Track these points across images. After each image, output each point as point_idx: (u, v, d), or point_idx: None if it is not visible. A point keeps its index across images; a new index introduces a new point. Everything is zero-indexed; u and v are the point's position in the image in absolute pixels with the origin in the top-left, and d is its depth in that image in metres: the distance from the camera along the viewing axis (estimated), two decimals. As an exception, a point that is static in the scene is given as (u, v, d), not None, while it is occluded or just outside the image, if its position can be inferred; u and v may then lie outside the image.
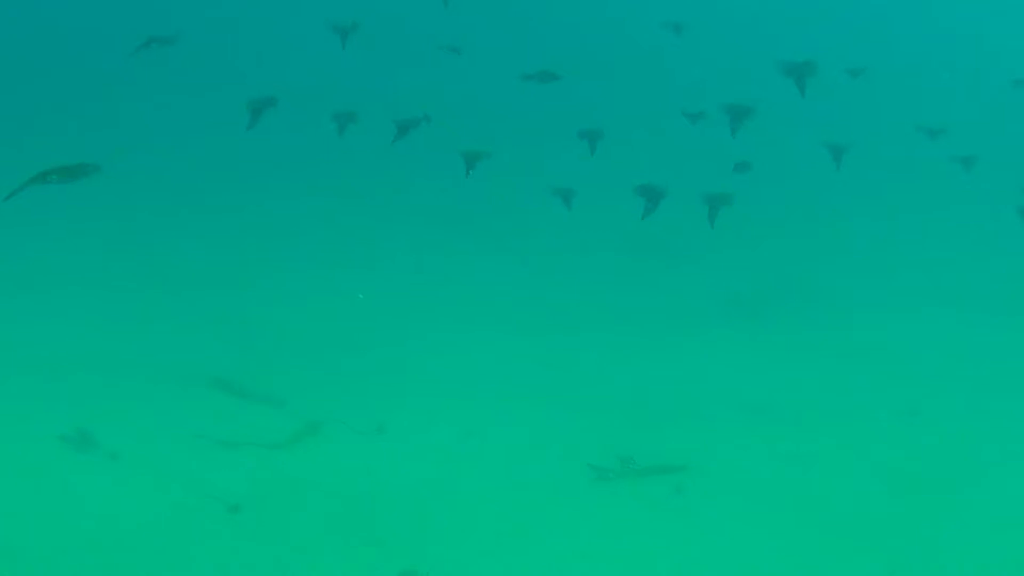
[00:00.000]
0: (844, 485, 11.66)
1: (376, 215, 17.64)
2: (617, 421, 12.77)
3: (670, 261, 17.62)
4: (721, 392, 13.69)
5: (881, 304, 16.52)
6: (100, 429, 11.69)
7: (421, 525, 10.49)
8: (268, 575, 9.60)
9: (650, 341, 14.98)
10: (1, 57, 22.72)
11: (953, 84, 26.72)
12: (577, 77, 17.98)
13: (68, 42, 22.33)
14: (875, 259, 17.87)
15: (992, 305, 16.65)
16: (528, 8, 25.31)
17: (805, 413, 13.22)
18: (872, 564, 10.20)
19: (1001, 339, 15.63)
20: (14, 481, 10.68)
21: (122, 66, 18.90)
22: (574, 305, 15.83)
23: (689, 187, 13.16)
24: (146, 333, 14.24)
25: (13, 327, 14.27)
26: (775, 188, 18.31)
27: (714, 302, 16.37)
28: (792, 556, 10.24)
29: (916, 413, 13.34)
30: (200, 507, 10.49)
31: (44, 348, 13.71)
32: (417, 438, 12.29)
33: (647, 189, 13.07)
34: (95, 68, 20.62)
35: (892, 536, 10.65)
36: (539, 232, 17.65)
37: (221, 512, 10.45)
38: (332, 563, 9.80)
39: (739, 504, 11.14)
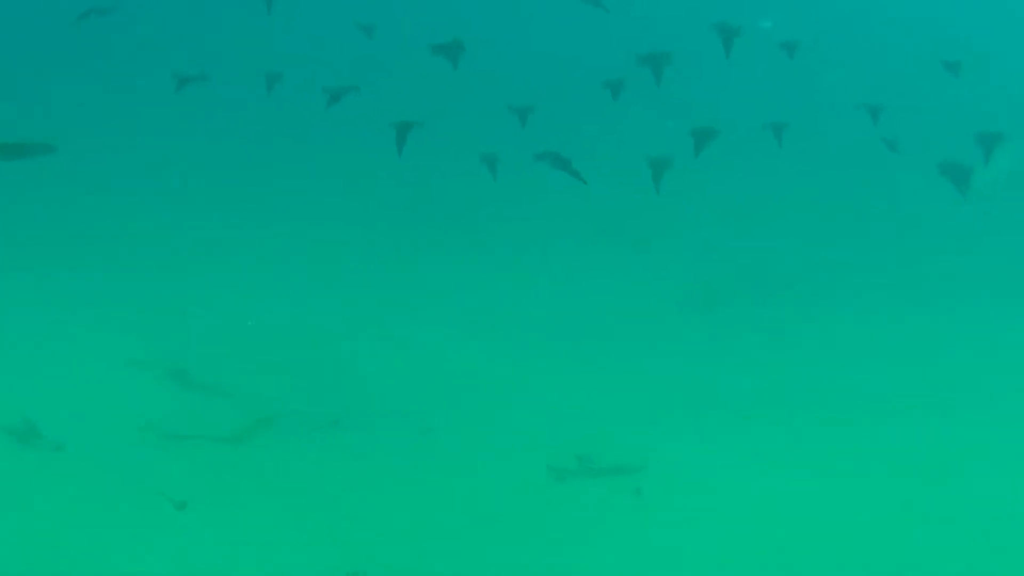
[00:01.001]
0: (806, 482, 11.50)
1: (327, 203, 17.12)
2: (575, 419, 12.52)
3: (624, 249, 17.24)
4: (679, 390, 13.43)
5: (836, 296, 16.28)
6: (44, 419, 11.34)
7: (375, 523, 10.26)
8: (216, 574, 9.32)
9: (607, 337, 14.69)
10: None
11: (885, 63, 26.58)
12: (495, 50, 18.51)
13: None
14: (826, 248, 17.58)
15: (944, 292, 16.44)
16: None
17: (765, 410, 13.02)
18: (833, 561, 10.13)
19: (954, 327, 15.45)
20: (-47, 473, 10.36)
21: (59, 38, 18.62)
22: (528, 298, 15.45)
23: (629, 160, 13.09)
24: (93, 320, 13.79)
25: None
26: (719, 169, 17.86)
27: (669, 295, 16.07)
28: (752, 556, 10.10)
29: (883, 407, 13.17)
30: (147, 503, 10.18)
31: (-14, 334, 13.34)
32: (373, 433, 12.00)
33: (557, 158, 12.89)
34: (29, 40, 19.99)
35: (854, 533, 10.53)
36: (491, 220, 17.28)
37: (168, 508, 10.15)
38: (283, 562, 9.56)
39: (699, 504, 10.97)
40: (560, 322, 14.78)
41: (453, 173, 17.22)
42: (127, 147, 17.94)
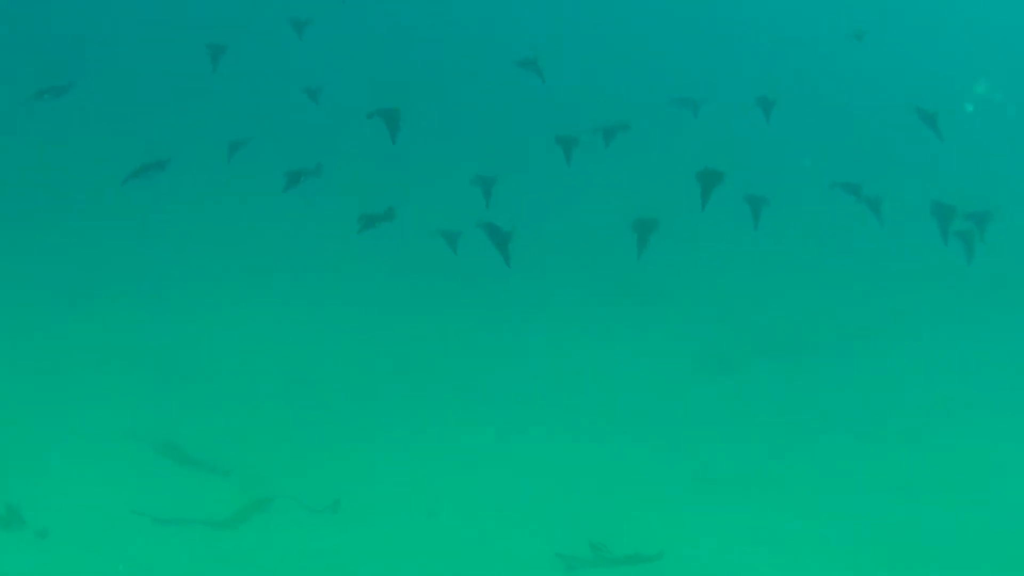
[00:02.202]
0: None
1: (320, 267, 16.52)
2: (588, 501, 11.91)
3: (634, 313, 16.69)
4: (697, 466, 12.83)
5: (853, 362, 15.75)
6: (27, 504, 10.70)
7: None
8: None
9: (621, 409, 14.05)
10: None
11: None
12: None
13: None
14: (840, 313, 17.03)
15: (960, 357, 15.94)
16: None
17: (789, 489, 12.48)
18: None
19: (968, 394, 14.97)
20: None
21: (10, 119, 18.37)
22: (538, 370, 14.76)
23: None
24: (79, 391, 13.11)
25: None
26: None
27: (685, 356, 15.48)
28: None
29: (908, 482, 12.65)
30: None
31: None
32: (374, 517, 11.40)
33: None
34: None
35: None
36: (494, 289, 16.73)
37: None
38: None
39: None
40: (571, 394, 14.15)
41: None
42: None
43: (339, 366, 14.10)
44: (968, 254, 15.50)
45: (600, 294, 16.25)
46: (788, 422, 13.83)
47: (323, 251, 16.57)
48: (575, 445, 12.93)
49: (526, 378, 14.23)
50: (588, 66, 23.27)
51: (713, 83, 22.25)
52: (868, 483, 12.73)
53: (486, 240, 12.63)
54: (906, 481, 12.76)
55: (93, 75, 19.81)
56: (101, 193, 16.77)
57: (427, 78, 21.92)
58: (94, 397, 12.90)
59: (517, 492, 11.97)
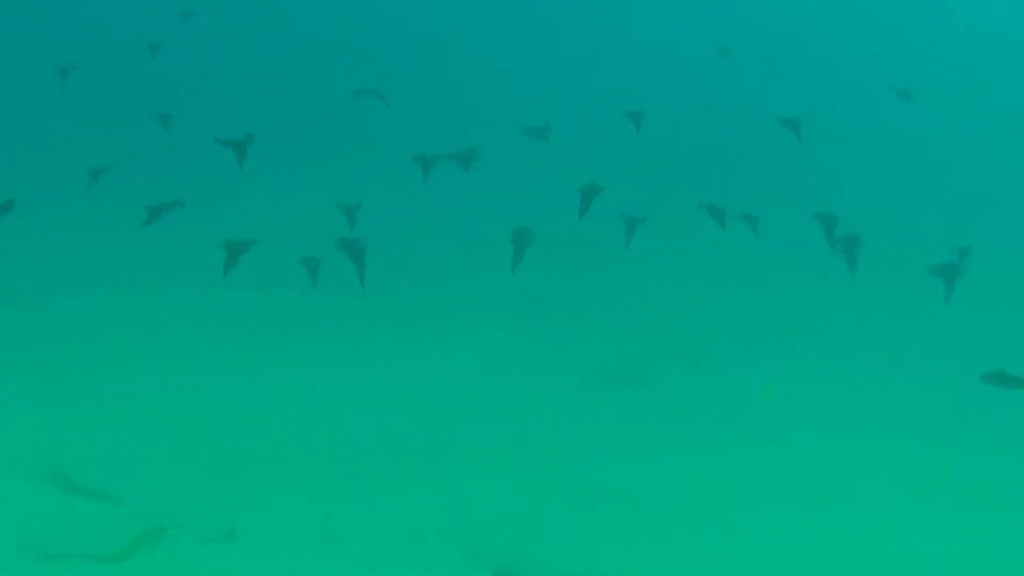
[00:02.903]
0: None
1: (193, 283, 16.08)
2: (490, 525, 11.61)
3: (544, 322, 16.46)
4: (604, 483, 12.51)
5: (764, 371, 15.56)
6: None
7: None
8: None
9: (526, 421, 13.76)
10: None
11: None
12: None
13: None
14: (754, 323, 16.96)
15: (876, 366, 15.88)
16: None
17: (696, 504, 12.29)
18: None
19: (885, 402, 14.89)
20: None
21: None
22: (427, 385, 14.39)
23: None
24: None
25: None
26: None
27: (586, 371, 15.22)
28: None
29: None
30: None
31: None
32: (270, 545, 11.09)
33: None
34: None
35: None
36: (388, 296, 16.45)
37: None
38: None
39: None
40: (463, 415, 13.71)
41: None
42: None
43: (231, 387, 13.68)
44: (851, 264, 15.73)
45: (488, 309, 15.95)
46: (690, 433, 13.58)
47: (191, 269, 16.07)
48: (472, 468, 12.55)
49: (418, 401, 13.80)
50: (443, 89, 23.17)
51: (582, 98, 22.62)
52: (771, 493, 12.52)
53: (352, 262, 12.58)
54: (808, 490, 12.62)
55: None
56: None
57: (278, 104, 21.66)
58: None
59: (416, 518, 11.63)
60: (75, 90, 17.99)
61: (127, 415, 12.86)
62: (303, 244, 16.09)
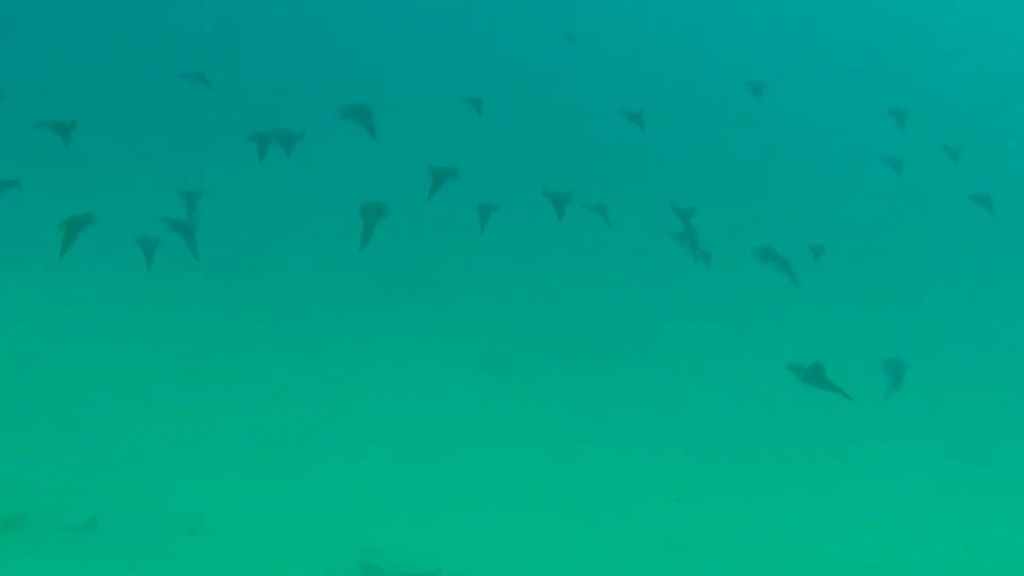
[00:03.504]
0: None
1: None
2: (360, 516, 11.61)
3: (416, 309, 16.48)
4: (471, 474, 12.65)
5: (633, 363, 15.89)
6: None
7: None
8: None
9: (395, 412, 13.75)
10: None
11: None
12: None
13: None
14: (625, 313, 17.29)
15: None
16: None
17: (565, 497, 12.46)
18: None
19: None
20: None
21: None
22: (299, 372, 14.43)
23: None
24: None
25: None
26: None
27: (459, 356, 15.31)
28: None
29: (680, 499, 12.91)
30: None
31: None
32: (132, 533, 10.84)
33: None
34: None
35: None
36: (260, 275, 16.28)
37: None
38: None
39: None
40: (334, 404, 13.77)
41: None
42: None
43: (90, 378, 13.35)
44: (698, 256, 16.14)
45: (345, 291, 15.99)
46: (565, 426, 13.85)
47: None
48: (342, 457, 12.59)
49: (289, 388, 13.81)
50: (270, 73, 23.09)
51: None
52: (643, 489, 12.81)
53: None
54: (678, 484, 12.94)
55: None
56: None
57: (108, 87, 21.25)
58: None
59: (282, 508, 11.59)
60: None
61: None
62: (139, 224, 15.66)
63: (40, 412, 12.45)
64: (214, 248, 15.76)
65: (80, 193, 16.83)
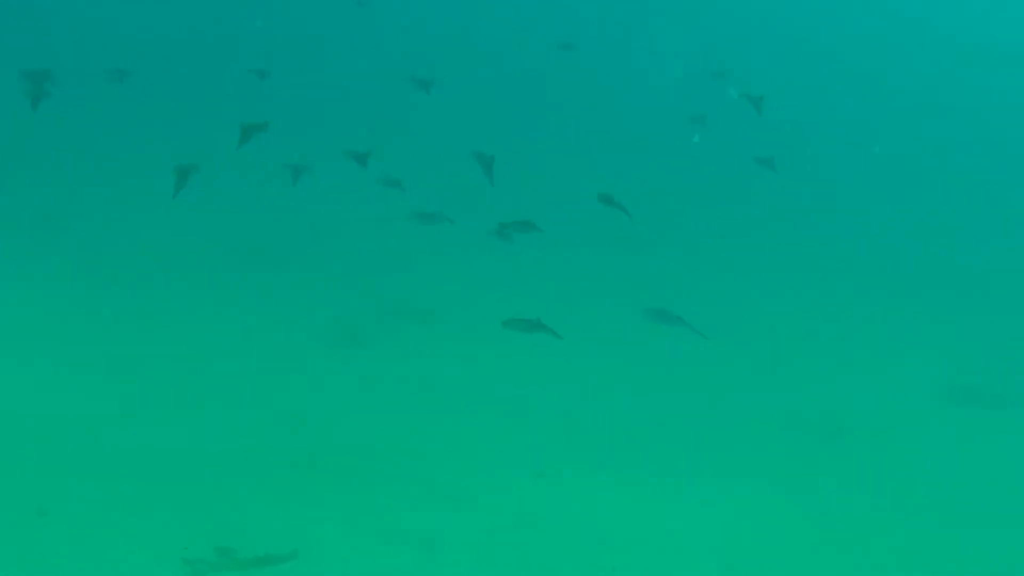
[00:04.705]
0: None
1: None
2: (210, 496, 11.28)
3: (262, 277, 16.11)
4: (329, 446, 12.36)
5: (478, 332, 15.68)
6: None
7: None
8: None
9: (232, 387, 13.24)
10: None
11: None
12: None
13: None
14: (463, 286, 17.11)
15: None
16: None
17: (426, 477, 12.20)
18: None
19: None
20: None
21: None
22: (146, 339, 13.97)
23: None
24: None
25: None
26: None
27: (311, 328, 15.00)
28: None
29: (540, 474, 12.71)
30: None
31: None
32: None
33: None
34: None
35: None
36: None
37: None
38: None
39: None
40: (180, 372, 13.38)
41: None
42: None
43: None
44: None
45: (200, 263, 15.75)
46: (421, 398, 13.62)
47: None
48: (188, 429, 12.27)
49: (132, 360, 13.43)
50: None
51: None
52: (506, 464, 12.59)
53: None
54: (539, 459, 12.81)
55: None
56: None
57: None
58: None
59: (133, 486, 11.25)
60: None
61: None
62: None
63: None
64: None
65: None
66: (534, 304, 15.11)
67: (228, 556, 10.47)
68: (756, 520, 12.06)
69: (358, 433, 12.72)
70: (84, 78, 20.72)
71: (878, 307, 17.58)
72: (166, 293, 15.09)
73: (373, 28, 25.98)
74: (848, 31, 34.38)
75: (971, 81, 31.35)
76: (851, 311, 17.32)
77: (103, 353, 13.53)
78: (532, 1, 30.16)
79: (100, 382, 12.92)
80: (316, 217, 17.85)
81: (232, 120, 16.43)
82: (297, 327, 14.82)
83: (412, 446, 12.61)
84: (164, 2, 26.53)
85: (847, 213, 21.29)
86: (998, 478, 13.35)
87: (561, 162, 21.35)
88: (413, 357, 14.41)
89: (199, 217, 17.05)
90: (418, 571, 10.71)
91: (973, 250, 20.26)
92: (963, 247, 20.36)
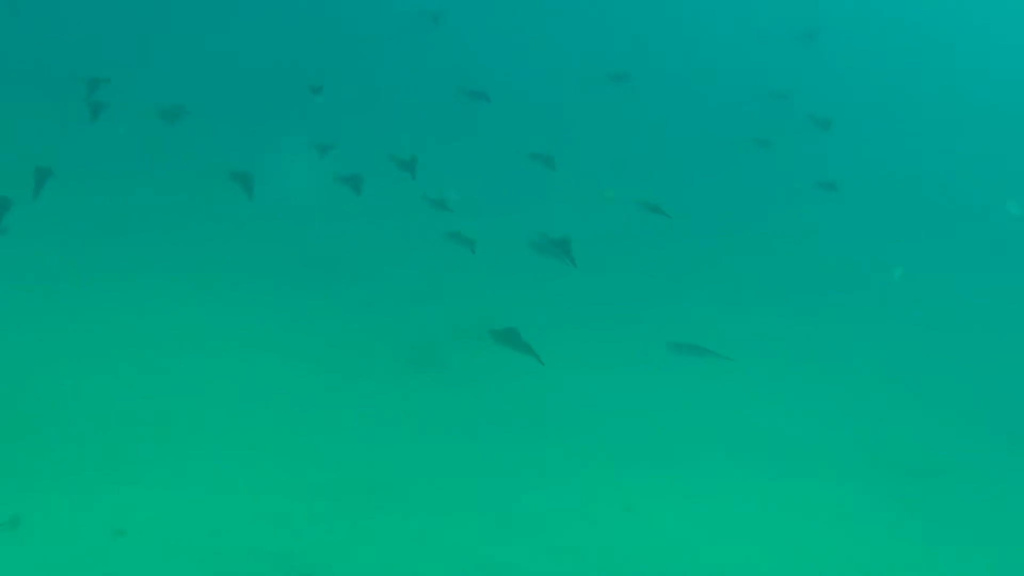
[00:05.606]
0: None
1: None
2: (284, 522, 11.18)
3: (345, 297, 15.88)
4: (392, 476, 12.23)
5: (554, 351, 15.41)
6: None
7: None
8: None
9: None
10: None
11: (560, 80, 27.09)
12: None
13: None
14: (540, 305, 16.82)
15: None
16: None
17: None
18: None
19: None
20: None
21: None
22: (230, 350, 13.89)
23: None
24: None
25: None
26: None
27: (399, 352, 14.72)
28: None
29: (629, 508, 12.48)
30: None
31: None
32: (60, 535, 10.51)
33: None
34: None
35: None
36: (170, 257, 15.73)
37: None
38: None
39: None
40: (271, 390, 13.25)
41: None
42: None
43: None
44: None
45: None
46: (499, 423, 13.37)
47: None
48: (285, 457, 12.17)
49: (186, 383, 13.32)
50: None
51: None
52: (590, 495, 12.40)
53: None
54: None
55: None
56: None
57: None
58: None
59: (192, 515, 11.17)
60: None
61: None
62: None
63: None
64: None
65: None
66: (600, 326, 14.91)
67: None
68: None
69: (436, 459, 12.46)
70: (143, 90, 20.58)
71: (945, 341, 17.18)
72: (235, 308, 14.85)
73: (446, 45, 25.71)
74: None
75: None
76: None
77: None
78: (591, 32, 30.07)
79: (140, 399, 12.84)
80: (380, 233, 17.53)
81: (296, 131, 16.28)
82: (374, 346, 14.51)
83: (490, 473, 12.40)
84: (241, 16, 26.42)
85: (914, 244, 20.78)
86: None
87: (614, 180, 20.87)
88: (492, 380, 14.09)
89: (264, 228, 16.78)
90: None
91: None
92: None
